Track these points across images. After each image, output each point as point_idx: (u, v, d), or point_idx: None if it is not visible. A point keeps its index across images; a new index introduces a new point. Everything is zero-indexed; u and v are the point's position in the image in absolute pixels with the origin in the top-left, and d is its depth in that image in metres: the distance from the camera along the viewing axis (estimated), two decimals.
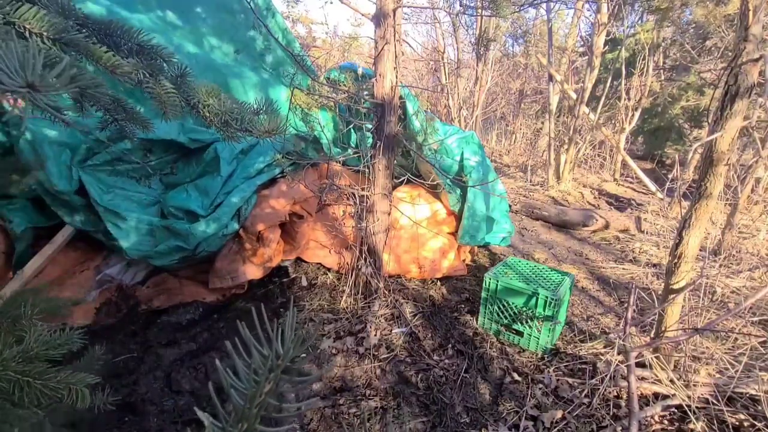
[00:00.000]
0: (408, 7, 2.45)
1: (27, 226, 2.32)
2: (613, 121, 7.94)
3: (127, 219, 2.34)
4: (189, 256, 2.48)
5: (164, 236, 2.40)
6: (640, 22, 7.55)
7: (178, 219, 2.46)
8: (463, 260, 3.36)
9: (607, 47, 6.94)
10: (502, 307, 2.37)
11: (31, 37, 0.63)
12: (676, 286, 1.92)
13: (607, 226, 4.76)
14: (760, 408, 1.74)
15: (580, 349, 2.30)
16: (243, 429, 0.33)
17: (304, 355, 0.39)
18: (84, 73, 0.58)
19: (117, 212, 2.32)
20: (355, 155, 2.69)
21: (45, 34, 0.64)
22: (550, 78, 6.60)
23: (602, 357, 2.18)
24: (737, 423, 1.78)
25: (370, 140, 2.78)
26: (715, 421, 1.78)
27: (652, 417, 1.85)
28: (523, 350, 2.34)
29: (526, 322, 2.28)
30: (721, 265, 3.36)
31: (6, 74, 0.44)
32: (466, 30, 8.01)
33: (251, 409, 0.34)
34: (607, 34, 6.34)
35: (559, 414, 1.86)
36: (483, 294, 2.43)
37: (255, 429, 0.34)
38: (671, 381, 1.92)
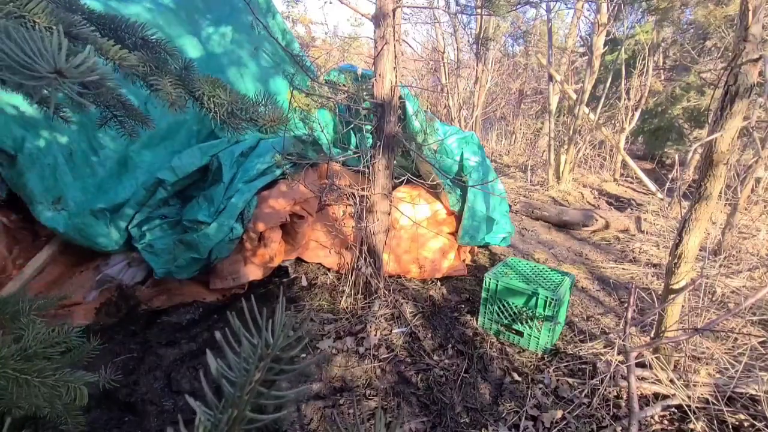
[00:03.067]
0: (407, 7, 2.45)
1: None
2: (613, 122, 7.93)
3: (155, 246, 2.49)
4: (206, 266, 2.58)
5: (181, 250, 2.49)
6: (639, 22, 7.55)
7: (191, 231, 2.52)
8: (463, 260, 3.36)
9: (607, 47, 6.93)
10: (502, 307, 2.37)
11: (41, 31, 0.64)
12: (676, 286, 1.92)
13: (607, 226, 4.76)
14: (760, 408, 1.74)
15: (580, 349, 2.30)
16: (233, 416, 0.34)
17: (304, 355, 0.40)
18: (100, 64, 0.59)
19: (152, 245, 2.49)
20: (355, 155, 2.69)
21: (54, 28, 0.64)
22: (550, 78, 6.60)
23: (602, 357, 2.18)
24: (737, 423, 1.78)
25: (370, 140, 2.78)
26: (715, 421, 1.78)
27: (652, 417, 1.85)
28: (523, 350, 2.33)
29: (526, 322, 2.28)
30: (721, 265, 3.36)
31: (33, 60, 0.44)
32: (464, 29, 8.01)
33: (241, 396, 0.34)
34: (607, 35, 6.33)
35: (559, 414, 1.86)
36: (483, 294, 2.43)
37: (245, 416, 0.34)
38: (671, 381, 1.92)
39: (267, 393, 0.35)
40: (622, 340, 1.81)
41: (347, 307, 2.63)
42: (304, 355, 2.12)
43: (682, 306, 2.11)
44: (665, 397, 1.92)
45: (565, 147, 6.60)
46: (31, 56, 0.44)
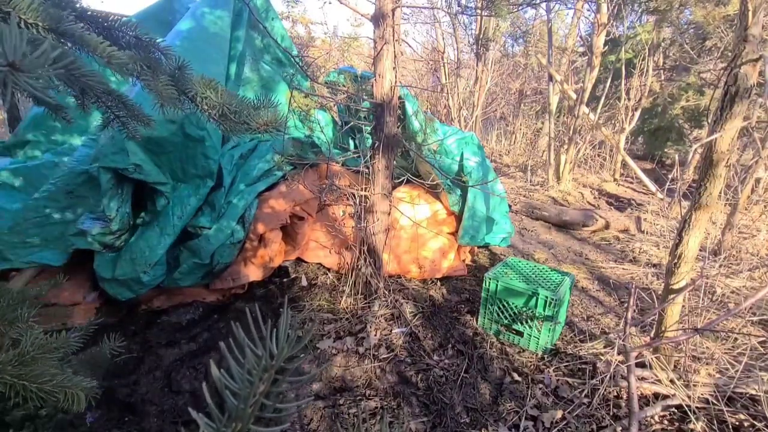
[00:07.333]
0: (407, 7, 2.45)
1: None
2: (613, 121, 7.93)
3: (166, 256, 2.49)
4: (209, 272, 2.57)
5: (185, 256, 2.49)
6: (639, 22, 7.55)
7: (194, 236, 2.52)
8: (463, 260, 3.36)
9: (607, 47, 6.93)
10: (502, 307, 2.37)
11: (27, 28, 0.63)
12: (676, 286, 1.92)
13: (607, 226, 4.76)
14: (760, 408, 1.74)
15: (580, 349, 2.30)
16: (237, 429, 0.33)
17: (303, 355, 0.39)
18: (68, 55, 0.57)
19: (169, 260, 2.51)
20: (355, 155, 2.69)
21: (40, 24, 0.63)
22: (550, 78, 6.60)
23: (602, 357, 2.18)
24: (737, 423, 1.78)
25: (370, 141, 2.78)
26: (715, 421, 1.78)
27: (652, 417, 1.85)
28: (523, 350, 2.33)
29: (526, 322, 2.28)
30: (721, 265, 3.36)
31: None
32: (465, 29, 8.00)
33: (245, 409, 0.33)
34: (607, 35, 6.33)
35: (559, 414, 1.86)
36: (483, 294, 2.43)
37: (249, 429, 0.33)
38: (671, 381, 1.92)
39: (271, 406, 0.35)
40: (622, 340, 1.81)
41: (347, 307, 2.63)
42: (303, 356, 2.11)
43: (682, 306, 2.11)
44: (665, 397, 1.92)
45: (565, 147, 6.59)
46: None
